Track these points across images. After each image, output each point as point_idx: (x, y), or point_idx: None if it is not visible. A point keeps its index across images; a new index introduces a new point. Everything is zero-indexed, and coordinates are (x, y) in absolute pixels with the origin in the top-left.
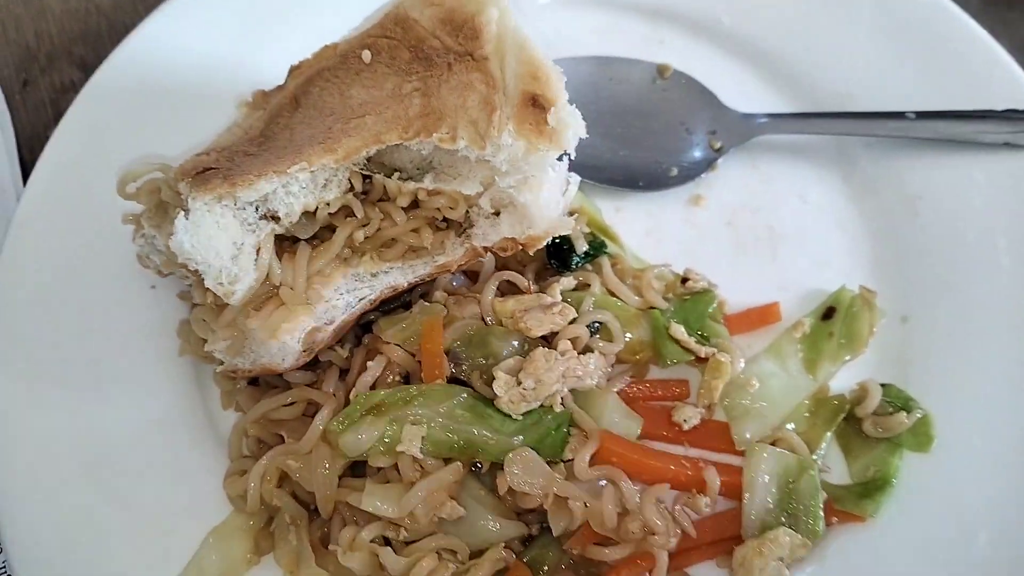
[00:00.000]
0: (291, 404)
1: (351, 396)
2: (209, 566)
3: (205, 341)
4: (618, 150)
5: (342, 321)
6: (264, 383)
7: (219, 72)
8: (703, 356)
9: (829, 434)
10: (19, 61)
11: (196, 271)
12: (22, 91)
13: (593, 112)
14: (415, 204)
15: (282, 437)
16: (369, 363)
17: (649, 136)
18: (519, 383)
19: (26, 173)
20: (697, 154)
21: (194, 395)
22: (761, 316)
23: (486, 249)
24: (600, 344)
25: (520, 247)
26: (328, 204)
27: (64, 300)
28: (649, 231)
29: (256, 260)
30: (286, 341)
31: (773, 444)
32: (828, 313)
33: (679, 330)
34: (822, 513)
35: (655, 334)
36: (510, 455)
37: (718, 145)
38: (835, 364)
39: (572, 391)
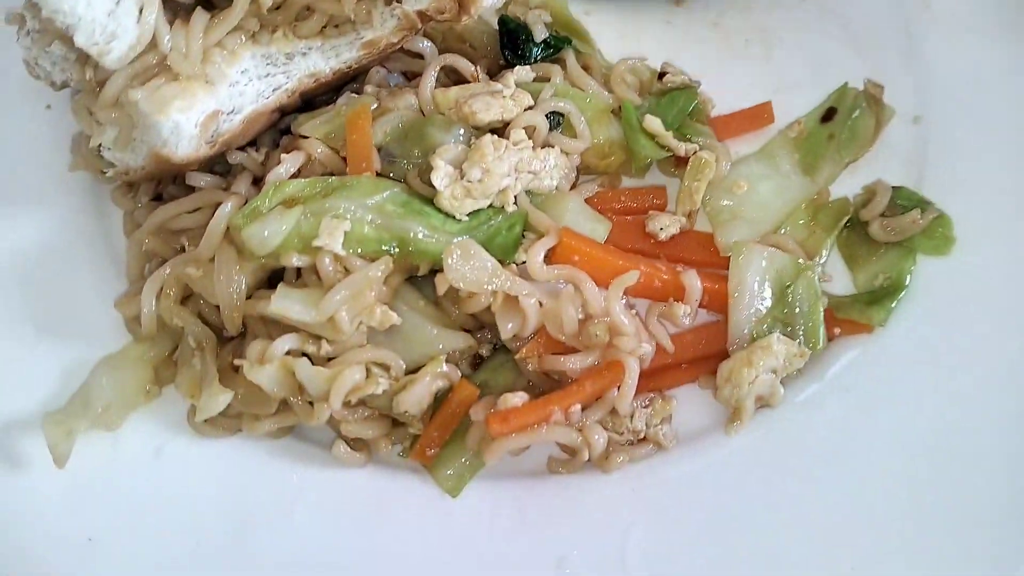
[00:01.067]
0: (196, 211)
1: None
2: (98, 395)
3: (98, 153)
4: None
5: (252, 112)
6: (169, 198)
7: None
8: (683, 154)
9: (831, 240)
10: None
11: (67, 31)
12: None
13: None
14: None
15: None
16: (283, 155)
17: None
18: (462, 176)
19: None
20: None
21: (92, 220)
22: (751, 118)
23: (420, 16)
24: (563, 140)
25: (458, 9)
26: None
27: None
28: (623, 35)
29: (139, 20)
30: (179, 121)
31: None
32: (828, 114)
33: (655, 123)
34: (823, 320)
35: (626, 129)
36: (450, 246)
37: None
38: (836, 166)
39: (528, 194)
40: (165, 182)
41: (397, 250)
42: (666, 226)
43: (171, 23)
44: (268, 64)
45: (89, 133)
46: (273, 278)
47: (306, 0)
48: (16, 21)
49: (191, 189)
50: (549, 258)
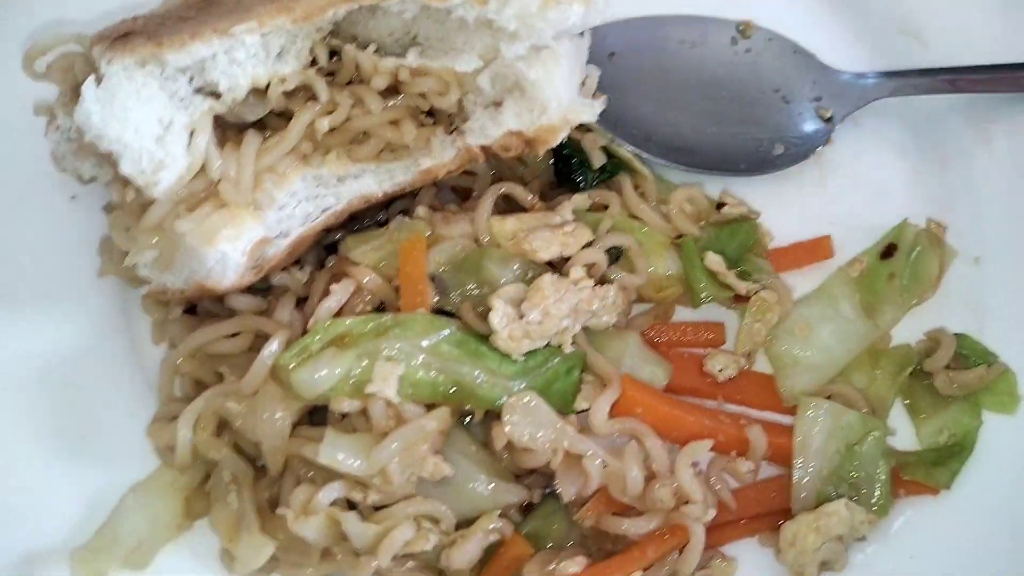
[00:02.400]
0: (235, 336)
1: (309, 325)
2: (128, 530)
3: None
4: (705, 128)
5: (299, 235)
6: (203, 312)
7: None
8: (744, 293)
9: (894, 392)
10: None
11: (111, 156)
12: None
13: (664, 83)
14: (394, 90)
15: (222, 376)
16: (333, 286)
17: (740, 109)
18: (521, 316)
19: None
20: (805, 127)
21: (118, 326)
22: (810, 251)
23: (484, 150)
24: (620, 275)
25: (525, 146)
26: (284, 80)
27: None
28: None
29: (189, 145)
30: (226, 251)
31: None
32: (888, 251)
33: (716, 261)
34: (889, 483)
35: (686, 266)
36: (509, 400)
37: (828, 114)
38: (898, 310)
39: (584, 330)
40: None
41: (453, 395)
42: (725, 367)
43: (220, 144)
44: (318, 186)
45: (125, 250)
46: (315, 409)
47: (364, 125)
48: (46, 114)
49: (225, 305)
50: (610, 409)
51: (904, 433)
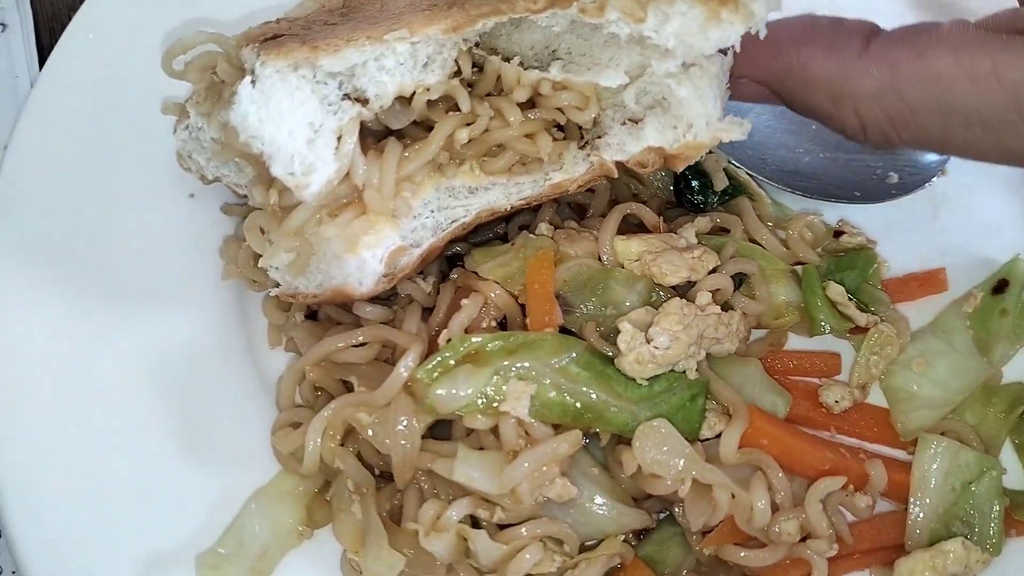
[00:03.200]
0: (361, 345)
1: (440, 340)
2: (252, 537)
3: (255, 261)
4: (819, 152)
5: (430, 246)
6: (325, 318)
7: None
8: (863, 325)
9: (1006, 430)
10: None
11: (259, 158)
12: None
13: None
14: (531, 104)
15: (346, 385)
16: (463, 301)
17: None
18: (648, 340)
19: (44, 60)
20: (921, 156)
21: (236, 327)
22: (924, 283)
23: (619, 165)
24: (743, 301)
25: (662, 163)
26: (428, 89)
27: (82, 208)
28: None
29: (337, 150)
30: (366, 258)
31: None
32: (1000, 286)
33: (838, 291)
34: (1002, 523)
35: (807, 294)
36: (642, 427)
37: None
38: (1010, 346)
39: (707, 357)
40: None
41: (582, 417)
42: (841, 399)
43: (362, 152)
44: (450, 197)
45: (259, 253)
46: (437, 422)
47: (500, 138)
48: (175, 113)
49: (349, 311)
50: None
51: (1013, 471)
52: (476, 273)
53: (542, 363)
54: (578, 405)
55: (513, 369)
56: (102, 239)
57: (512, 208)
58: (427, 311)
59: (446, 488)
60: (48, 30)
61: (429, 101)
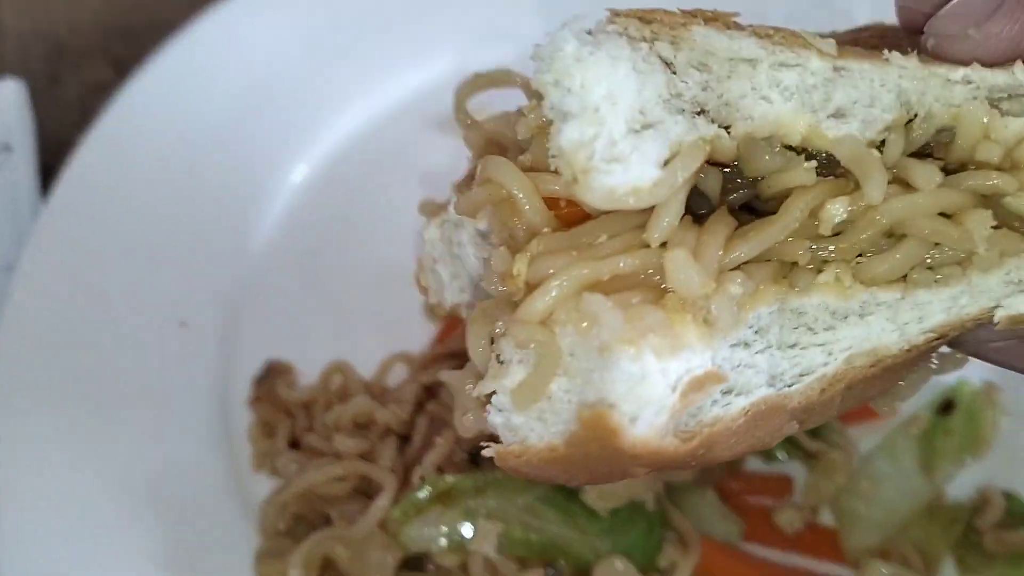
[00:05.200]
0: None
1: (413, 475)
2: None
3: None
4: None
5: (763, 401)
6: (307, 447)
7: (282, 81)
8: (812, 452)
9: (947, 549)
10: (48, 55)
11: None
12: (49, 88)
13: None
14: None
15: (325, 515)
16: (436, 438)
17: None
18: None
19: (47, 181)
20: None
21: (221, 451)
22: (873, 408)
23: None
24: None
25: None
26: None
27: (79, 331)
28: None
29: (665, 164)
30: (650, 368)
31: (886, 556)
32: (946, 407)
33: None
34: None
35: None
36: (600, 565)
37: None
38: (954, 466)
39: (666, 484)
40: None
41: (545, 552)
42: (793, 521)
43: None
44: (798, 327)
45: (481, 370)
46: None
47: (898, 213)
48: (430, 212)
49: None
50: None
51: None
52: (449, 406)
53: (509, 501)
54: (542, 541)
55: (482, 508)
56: (96, 365)
57: (912, 351)
58: (403, 440)
59: None
60: (51, 150)
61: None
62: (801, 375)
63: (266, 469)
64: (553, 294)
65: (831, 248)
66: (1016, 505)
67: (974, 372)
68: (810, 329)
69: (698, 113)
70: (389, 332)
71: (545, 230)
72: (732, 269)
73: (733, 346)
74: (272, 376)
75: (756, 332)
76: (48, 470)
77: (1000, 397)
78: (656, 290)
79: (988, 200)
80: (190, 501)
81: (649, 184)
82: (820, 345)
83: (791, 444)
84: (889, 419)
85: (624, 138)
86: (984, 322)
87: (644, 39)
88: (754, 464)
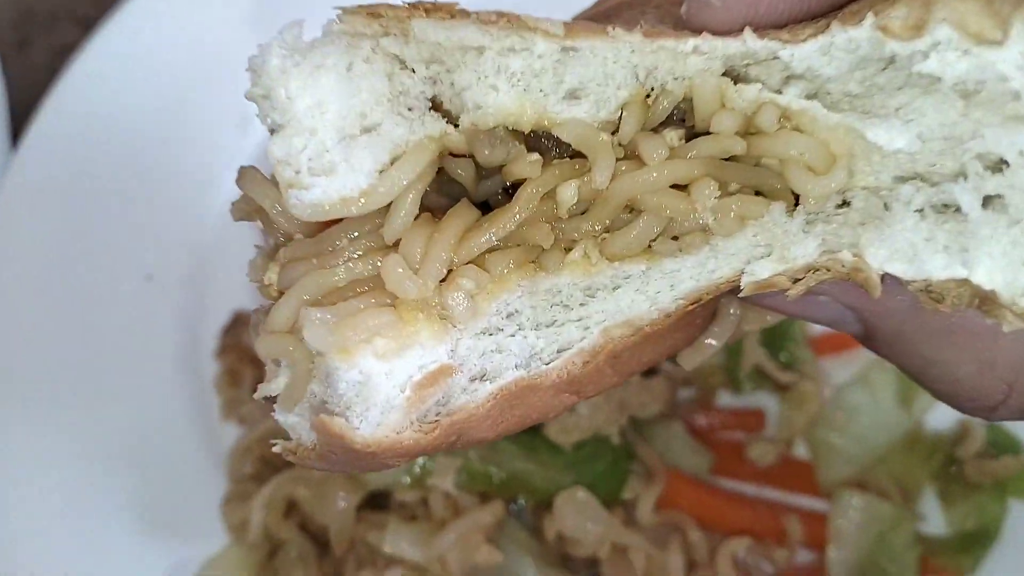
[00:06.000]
0: None
1: None
2: None
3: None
4: None
5: (515, 383)
6: None
7: (238, 34)
8: (784, 383)
9: (926, 480)
10: (17, 20)
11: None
12: (18, 52)
13: None
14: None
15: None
16: None
17: None
18: (572, 408)
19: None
20: None
21: (190, 403)
22: (848, 338)
23: (887, 283)
24: (667, 367)
25: (977, 308)
26: (556, 125)
27: (46, 287)
28: None
29: (383, 171)
30: (370, 372)
31: (862, 487)
32: None
33: (758, 353)
34: (918, 571)
35: (729, 356)
36: (561, 495)
37: None
38: (932, 398)
39: (632, 419)
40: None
41: (507, 486)
42: (764, 454)
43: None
44: (553, 305)
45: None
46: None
47: (629, 189)
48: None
49: None
50: (656, 501)
51: (934, 517)
52: None
53: None
54: (503, 475)
55: None
56: (63, 320)
57: (667, 317)
58: None
59: (381, 555)
60: (23, 111)
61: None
62: (559, 351)
63: (234, 419)
64: (292, 304)
65: (575, 228)
66: (997, 435)
67: None
68: (566, 307)
69: (433, 108)
70: None
71: (298, 236)
72: (474, 259)
73: (479, 335)
74: (238, 326)
75: (507, 317)
76: (17, 425)
77: None
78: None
79: (732, 167)
80: (160, 451)
81: (357, 193)
82: (576, 321)
83: (761, 376)
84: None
85: (335, 147)
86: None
87: (374, 35)
88: (727, 400)
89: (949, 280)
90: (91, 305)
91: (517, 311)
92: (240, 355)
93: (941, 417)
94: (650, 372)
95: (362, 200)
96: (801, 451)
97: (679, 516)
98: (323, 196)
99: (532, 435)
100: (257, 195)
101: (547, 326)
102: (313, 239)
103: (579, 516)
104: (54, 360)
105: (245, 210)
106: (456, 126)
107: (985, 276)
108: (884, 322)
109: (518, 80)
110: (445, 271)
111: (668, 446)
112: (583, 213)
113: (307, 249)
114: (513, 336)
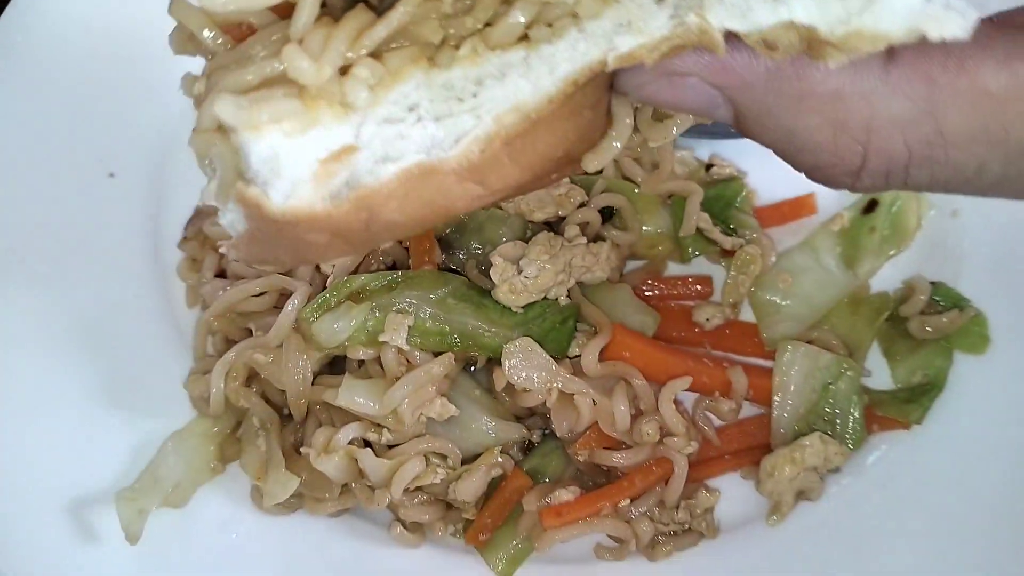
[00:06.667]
0: (261, 295)
1: (328, 283)
2: (167, 472)
3: None
4: None
5: (417, 165)
6: (232, 276)
7: None
8: (729, 248)
9: (871, 336)
10: None
11: None
12: None
13: None
14: None
15: (251, 332)
16: None
17: None
18: (519, 271)
19: None
20: None
21: (156, 291)
22: (794, 208)
23: (732, 40)
24: (613, 233)
25: (806, 51)
26: None
27: (11, 186)
28: None
29: None
30: (278, 148)
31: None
32: (870, 206)
33: (703, 218)
34: (862, 419)
35: (675, 223)
36: (508, 345)
37: None
38: (877, 260)
39: (580, 284)
40: (227, 259)
41: (458, 343)
42: (712, 317)
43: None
44: (449, 98)
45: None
46: (334, 360)
47: None
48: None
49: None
50: (602, 353)
51: (880, 374)
52: None
53: (420, 297)
54: (454, 333)
55: (393, 304)
56: (27, 217)
57: (551, 102)
58: None
59: (341, 418)
60: None
61: None
62: (456, 140)
63: (199, 305)
64: (213, 104)
65: (461, 25)
66: (942, 291)
67: None
68: (459, 99)
69: None
70: None
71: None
72: (371, 55)
73: (381, 123)
74: (200, 217)
75: (409, 110)
76: None
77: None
78: (299, 85)
79: None
80: (127, 339)
81: None
82: (470, 111)
83: (707, 241)
84: (810, 219)
85: None
86: (627, 67)
87: None
88: (674, 269)
89: (777, 26)
90: (54, 202)
91: (416, 104)
92: (202, 244)
93: (887, 279)
94: (597, 238)
95: None
96: (747, 315)
97: (624, 367)
98: None
99: (482, 296)
100: (184, 18)
101: (445, 117)
102: (232, 50)
103: (526, 364)
104: (19, 255)
105: (180, 40)
106: None
107: (803, 12)
108: (746, 96)
109: None
110: (341, 61)
111: (614, 307)
112: (469, 11)
113: (228, 58)
114: (413, 126)
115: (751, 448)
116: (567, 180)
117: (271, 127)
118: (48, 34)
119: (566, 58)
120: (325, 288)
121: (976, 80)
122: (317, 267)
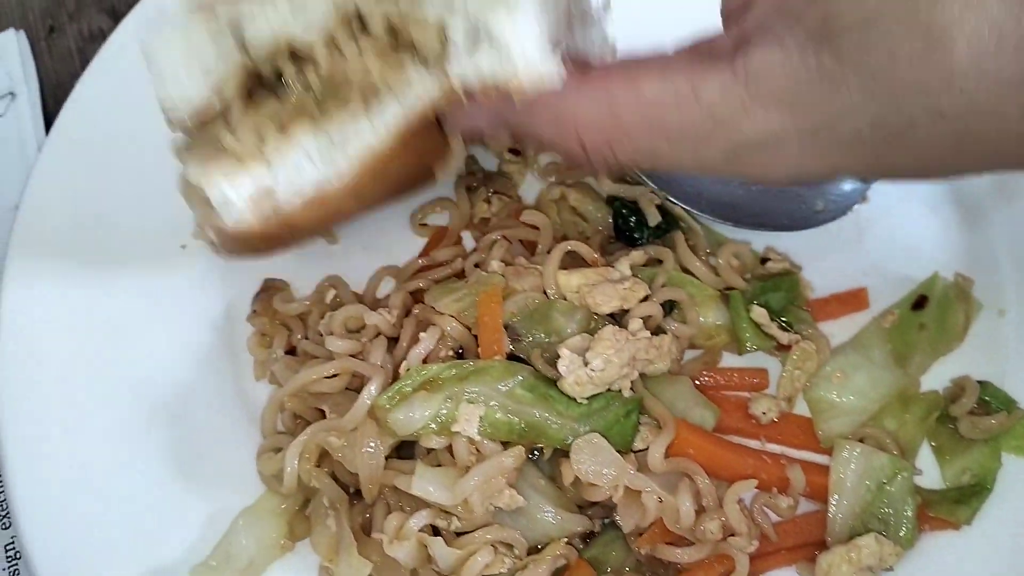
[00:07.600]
0: (333, 376)
1: (401, 370)
2: (239, 551)
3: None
4: (749, 185)
5: (313, 193)
6: (302, 353)
7: None
8: (786, 343)
9: (922, 435)
10: (46, 7)
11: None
12: (48, 38)
13: None
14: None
15: (322, 412)
16: (422, 334)
17: None
18: (585, 363)
19: (50, 125)
20: (845, 185)
21: (223, 364)
22: (846, 302)
23: (467, 95)
24: (674, 326)
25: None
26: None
27: (85, 260)
28: None
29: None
30: (227, 193)
31: (861, 442)
32: (919, 302)
33: (760, 313)
34: (915, 519)
35: (733, 317)
36: (578, 441)
37: None
38: (927, 358)
39: (642, 376)
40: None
41: (526, 433)
42: (768, 410)
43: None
44: (332, 146)
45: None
46: (402, 443)
47: (340, 73)
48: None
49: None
50: (666, 451)
51: (930, 473)
52: (434, 308)
53: (490, 387)
54: (522, 424)
55: (464, 394)
56: (101, 291)
57: (385, 144)
58: (393, 342)
59: (409, 502)
60: (53, 97)
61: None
62: (336, 174)
63: (267, 378)
64: (185, 171)
65: (328, 98)
66: (990, 391)
67: (947, 265)
68: (333, 146)
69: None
70: (377, 249)
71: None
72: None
73: (290, 169)
74: (269, 292)
75: (307, 159)
76: (59, 389)
77: (973, 289)
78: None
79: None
80: (196, 412)
81: (204, 99)
82: (340, 152)
83: (764, 337)
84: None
85: (187, 80)
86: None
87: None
88: (730, 360)
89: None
90: (128, 275)
91: (312, 152)
92: (271, 319)
93: (935, 375)
94: (658, 331)
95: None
96: (801, 409)
97: (688, 463)
98: (187, 111)
99: (549, 386)
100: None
101: (328, 161)
102: (199, 133)
103: (594, 460)
104: (94, 330)
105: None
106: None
107: (486, 66)
108: (508, 116)
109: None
110: (257, 138)
111: (675, 400)
112: (328, 86)
113: (196, 138)
114: (310, 168)
115: (806, 544)
116: (631, 273)
117: (221, 180)
118: (119, 119)
119: (392, 112)
120: (396, 375)
121: (641, 89)
122: (389, 350)
